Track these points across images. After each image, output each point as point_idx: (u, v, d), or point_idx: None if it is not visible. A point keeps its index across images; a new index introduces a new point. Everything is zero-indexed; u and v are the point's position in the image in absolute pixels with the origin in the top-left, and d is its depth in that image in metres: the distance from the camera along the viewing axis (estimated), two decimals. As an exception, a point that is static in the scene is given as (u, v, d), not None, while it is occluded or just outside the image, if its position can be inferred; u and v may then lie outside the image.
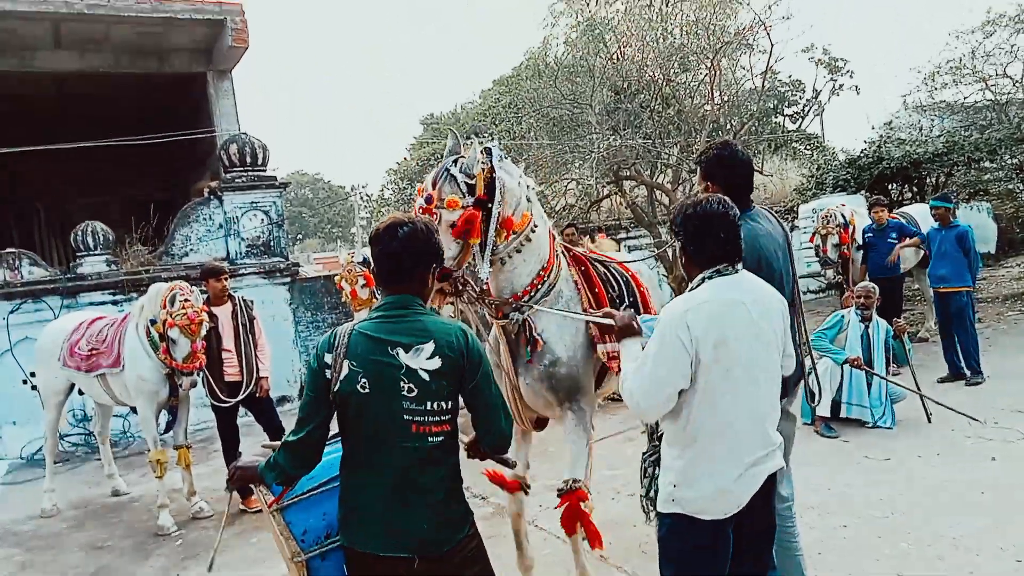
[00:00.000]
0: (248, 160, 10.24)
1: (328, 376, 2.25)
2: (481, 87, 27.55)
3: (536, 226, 3.45)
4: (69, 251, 12.88)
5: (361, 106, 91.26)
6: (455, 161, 3.20)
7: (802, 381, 3.22)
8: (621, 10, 13.20)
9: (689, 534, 2.41)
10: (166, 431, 5.96)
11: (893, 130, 13.36)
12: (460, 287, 3.25)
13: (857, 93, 19.58)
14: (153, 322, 5.52)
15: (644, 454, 2.78)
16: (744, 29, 11.42)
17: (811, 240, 9.01)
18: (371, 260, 2.66)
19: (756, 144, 11.29)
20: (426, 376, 2.23)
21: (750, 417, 2.41)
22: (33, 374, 8.81)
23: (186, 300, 5.44)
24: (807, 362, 3.31)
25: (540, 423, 3.82)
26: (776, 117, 15.60)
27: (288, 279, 10.28)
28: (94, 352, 5.92)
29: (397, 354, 2.23)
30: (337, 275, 7.43)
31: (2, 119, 13.18)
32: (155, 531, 5.65)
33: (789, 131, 15.31)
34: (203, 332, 5.50)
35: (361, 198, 41.29)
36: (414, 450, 2.23)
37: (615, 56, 11.45)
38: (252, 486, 2.51)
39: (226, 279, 6.12)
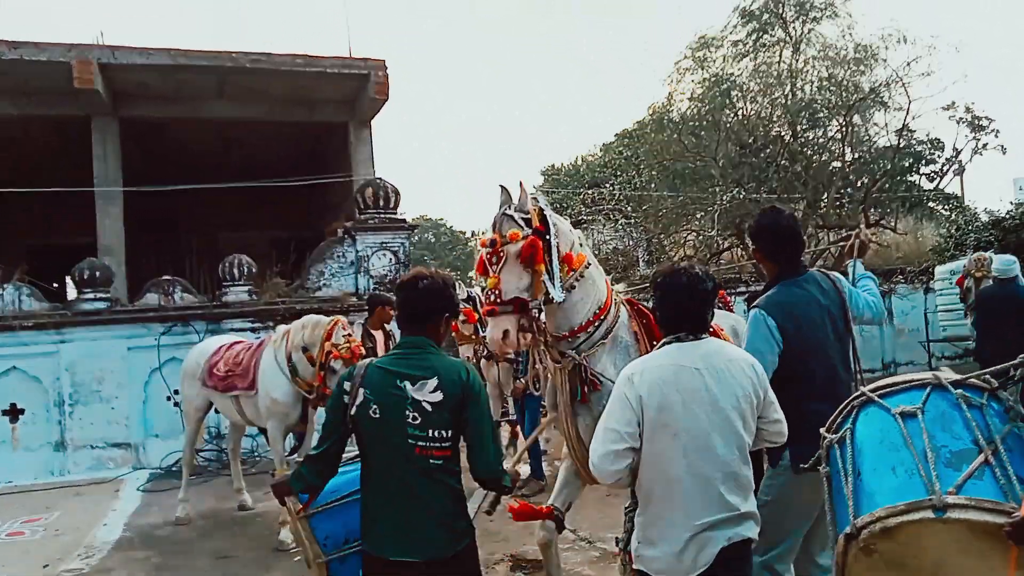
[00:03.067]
0: (381, 203, 10.83)
1: (346, 401, 2.63)
2: (603, 140, 27.95)
3: (589, 264, 3.62)
4: (214, 281, 13.99)
5: (485, 154, 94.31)
6: (508, 206, 3.48)
7: None
8: (748, 67, 13.18)
9: None
10: (291, 454, 6.32)
11: (1045, 192, 12.49)
12: (535, 323, 3.40)
13: (1003, 153, 18.47)
14: (305, 349, 5.87)
15: (626, 508, 2.84)
16: (879, 85, 11.11)
17: (959, 282, 8.31)
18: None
19: (889, 202, 10.87)
20: (429, 407, 2.56)
21: (700, 482, 2.43)
22: (177, 392, 9.57)
23: (349, 334, 5.88)
24: None
25: None
26: (911, 176, 14.91)
27: (408, 318, 10.71)
28: (231, 374, 6.37)
29: (404, 386, 2.58)
30: None
31: (166, 161, 14.62)
32: (276, 546, 5.95)
33: (925, 190, 14.59)
34: None
35: (480, 244, 42.27)
36: (417, 469, 2.57)
37: (743, 112, 11.41)
38: (284, 498, 2.84)
39: (392, 310, 6.79)
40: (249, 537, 6.40)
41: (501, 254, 3.33)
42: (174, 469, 9.12)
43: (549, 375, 3.79)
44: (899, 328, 12.07)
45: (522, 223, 3.37)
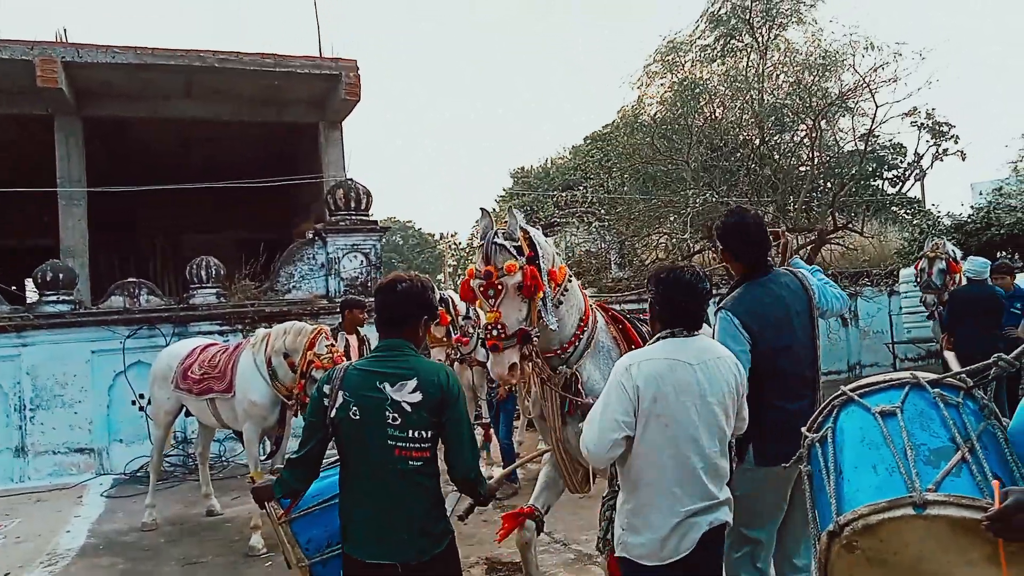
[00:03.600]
0: (352, 205, 10.74)
1: (326, 404, 2.63)
2: (572, 143, 28.09)
3: (571, 277, 3.64)
4: (180, 284, 13.75)
5: (453, 156, 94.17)
6: (496, 233, 3.41)
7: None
8: (717, 72, 13.34)
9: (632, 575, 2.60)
10: (267, 458, 6.23)
11: (1003, 196, 12.83)
12: (533, 347, 3.38)
13: (963, 159, 18.94)
14: (286, 355, 5.82)
15: (604, 498, 2.95)
16: (847, 90, 11.31)
17: (916, 266, 8.42)
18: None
19: (855, 206, 11.09)
20: (408, 408, 2.57)
21: (687, 470, 2.56)
22: (142, 396, 9.40)
23: (332, 344, 5.81)
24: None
25: (585, 481, 3.82)
26: (875, 180, 15.22)
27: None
28: (206, 376, 6.29)
29: (384, 387, 2.58)
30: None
31: (129, 161, 14.36)
32: (246, 551, 5.86)
33: (888, 194, 14.89)
34: None
35: (449, 246, 42.23)
36: (396, 471, 2.57)
37: (712, 116, 11.54)
38: (266, 503, 2.87)
39: (364, 313, 6.90)
40: (218, 543, 6.29)
41: (499, 287, 3.28)
42: (139, 474, 8.94)
43: (533, 386, 3.78)
44: (864, 330, 12.30)
45: (514, 252, 3.33)
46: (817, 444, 2.25)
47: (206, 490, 7.19)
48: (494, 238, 3.38)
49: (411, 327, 2.76)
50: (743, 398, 2.75)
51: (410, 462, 2.57)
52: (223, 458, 9.05)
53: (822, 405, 2.36)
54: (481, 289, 3.31)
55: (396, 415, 2.56)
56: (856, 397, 2.21)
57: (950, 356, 6.65)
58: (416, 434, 2.57)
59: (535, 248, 3.41)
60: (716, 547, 2.65)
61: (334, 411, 2.61)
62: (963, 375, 2.14)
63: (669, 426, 2.54)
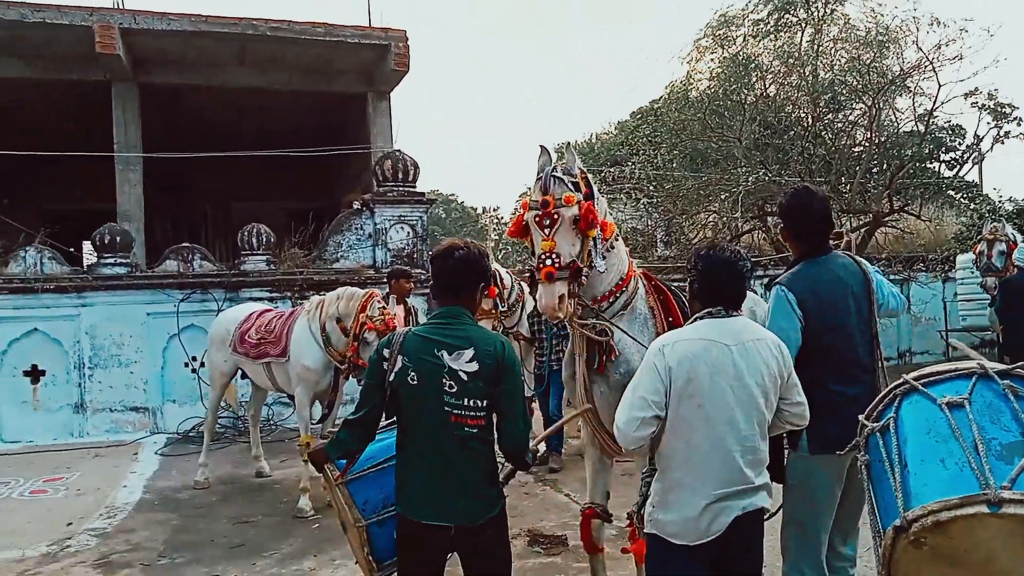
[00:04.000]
0: (400, 176, 10.81)
1: (385, 367, 2.67)
2: (618, 118, 27.73)
3: (618, 236, 3.60)
4: (230, 250, 14.01)
5: (497, 131, 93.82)
6: (554, 168, 3.36)
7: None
8: (770, 47, 12.99)
9: (662, 554, 2.59)
10: (318, 422, 6.40)
11: (1070, 182, 12.32)
12: (581, 286, 3.33)
13: (1024, 141, 18.21)
14: (339, 320, 5.97)
15: (643, 473, 2.89)
16: (910, 68, 10.92)
17: (974, 250, 8.17)
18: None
19: (912, 189, 10.75)
20: (464, 376, 2.60)
21: (721, 453, 2.52)
22: (194, 358, 9.69)
23: (384, 308, 5.94)
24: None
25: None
26: (932, 163, 14.73)
27: (428, 291, 10.72)
28: (263, 341, 6.50)
29: (442, 355, 2.62)
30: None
31: (183, 128, 14.61)
32: (295, 513, 6.03)
33: (945, 178, 14.42)
34: None
35: (492, 220, 42.25)
36: (452, 437, 2.61)
37: (764, 92, 11.26)
38: (323, 465, 2.89)
39: (410, 283, 7.09)
40: (267, 503, 6.49)
41: (555, 216, 3.25)
42: (191, 434, 9.24)
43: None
44: (917, 316, 12.01)
45: (572, 187, 3.31)
46: (877, 434, 2.21)
47: (256, 452, 7.40)
48: (552, 171, 3.35)
49: (468, 294, 2.78)
50: (791, 382, 2.67)
51: (466, 428, 2.61)
52: (272, 422, 9.29)
53: (882, 393, 2.32)
54: (536, 219, 3.28)
55: (453, 383, 2.60)
56: (920, 387, 2.16)
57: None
58: (471, 403, 2.60)
59: (591, 187, 3.40)
60: (750, 531, 2.59)
61: (393, 375, 2.65)
62: None
63: (703, 406, 2.52)
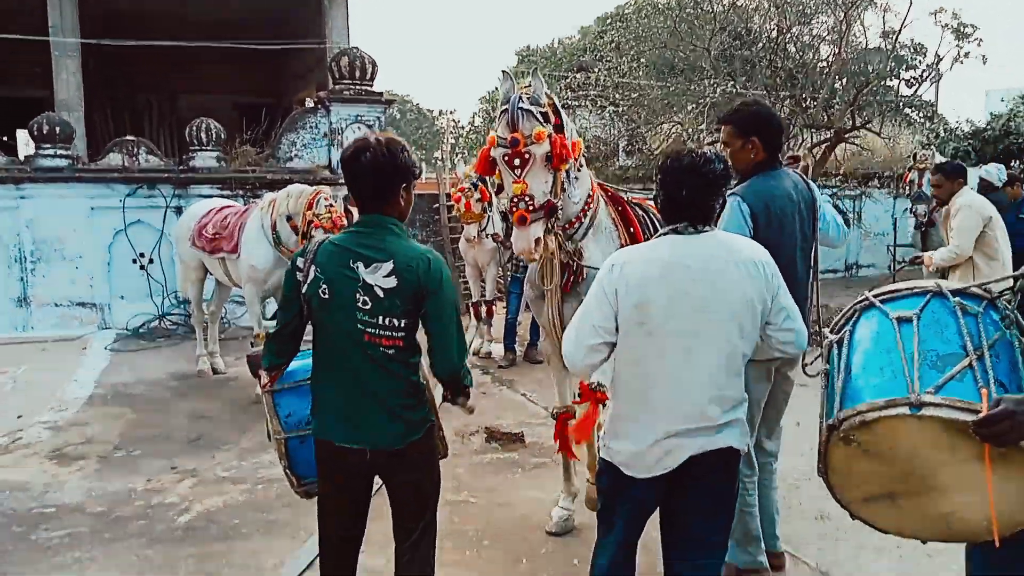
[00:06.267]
0: (357, 74, 10.37)
1: (299, 278, 2.45)
2: (581, 23, 27.00)
3: (581, 152, 3.49)
4: (176, 146, 13.44)
5: (455, 31, 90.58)
6: (520, 98, 3.15)
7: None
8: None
9: (613, 480, 2.46)
10: (272, 317, 6.34)
11: (1026, 105, 12.51)
12: (556, 220, 3.24)
13: (984, 63, 18.34)
14: (289, 218, 5.90)
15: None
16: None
17: (905, 178, 8.43)
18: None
19: (874, 106, 10.78)
20: (380, 292, 2.36)
21: (675, 387, 2.31)
22: (142, 255, 9.45)
23: (331, 205, 5.83)
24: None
25: None
26: (893, 81, 14.77)
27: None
28: (217, 236, 6.46)
29: (357, 268, 2.37)
30: (453, 189, 7.53)
31: (125, 15, 13.69)
32: (254, 403, 6.01)
33: (903, 96, 14.49)
34: None
35: (449, 123, 41.35)
36: (367, 357, 2.40)
37: (732, 1, 11.02)
38: (258, 370, 2.71)
39: None
40: (224, 399, 6.47)
41: (525, 156, 3.07)
42: (141, 331, 9.09)
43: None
44: (866, 231, 12.29)
45: (541, 118, 3.13)
46: (835, 345, 2.28)
47: (212, 348, 7.34)
48: (519, 103, 3.12)
49: (391, 198, 2.47)
50: (777, 305, 2.39)
51: (381, 349, 2.39)
52: (224, 320, 9.14)
53: (846, 309, 2.38)
54: (505, 158, 3.12)
55: (367, 299, 2.36)
56: (877, 303, 2.22)
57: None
58: (387, 321, 2.37)
59: (560, 115, 3.24)
60: (711, 472, 2.36)
61: (305, 286, 2.43)
62: (988, 285, 2.15)
63: (654, 335, 2.29)
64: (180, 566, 3.66)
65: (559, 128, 3.19)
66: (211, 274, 7.07)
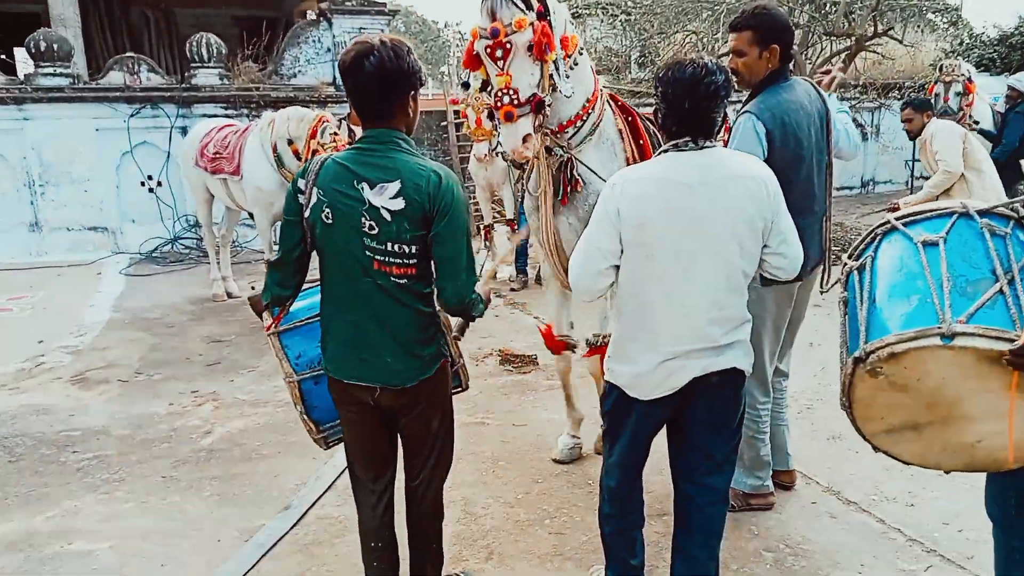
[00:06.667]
0: (360, -17, 10.02)
1: (301, 201, 2.25)
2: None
3: (582, 50, 3.30)
4: (178, 62, 13.12)
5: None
6: None
7: (819, 267, 3.20)
8: None
9: (618, 402, 2.44)
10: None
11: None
12: (545, 117, 3.09)
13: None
14: (290, 142, 5.83)
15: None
16: None
17: (930, 91, 8.18)
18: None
19: (896, 11, 10.30)
20: (387, 216, 2.16)
21: (677, 308, 2.27)
22: (150, 177, 9.38)
23: (335, 133, 5.74)
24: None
25: None
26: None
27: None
28: (218, 156, 6.39)
29: (362, 189, 2.17)
30: (464, 104, 7.29)
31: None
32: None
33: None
34: None
35: (454, 35, 40.16)
36: (377, 287, 2.23)
37: None
38: (262, 313, 2.56)
39: None
40: (240, 323, 6.52)
41: (507, 46, 2.92)
42: (155, 255, 9.13)
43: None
44: (884, 145, 11.97)
45: (523, 6, 2.95)
46: (855, 271, 2.19)
47: (225, 272, 7.37)
48: None
49: (398, 109, 2.23)
50: (776, 228, 2.32)
51: (392, 278, 2.21)
52: (236, 244, 9.16)
53: (866, 233, 2.30)
54: (487, 50, 2.96)
55: (373, 223, 2.17)
56: (900, 226, 2.13)
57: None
58: (397, 248, 2.19)
59: (545, 4, 3.04)
60: (716, 393, 2.35)
61: (308, 211, 2.23)
62: (1017, 204, 2.04)
63: (653, 257, 2.25)
64: (205, 487, 3.78)
65: (542, 15, 3.01)
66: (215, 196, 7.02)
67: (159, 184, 9.42)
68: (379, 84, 2.16)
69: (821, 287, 3.12)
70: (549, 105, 3.09)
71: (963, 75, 7.86)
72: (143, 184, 9.43)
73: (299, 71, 10.14)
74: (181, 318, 6.74)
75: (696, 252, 2.23)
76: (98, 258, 8.95)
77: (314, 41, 10.19)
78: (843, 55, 8.42)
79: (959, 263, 1.96)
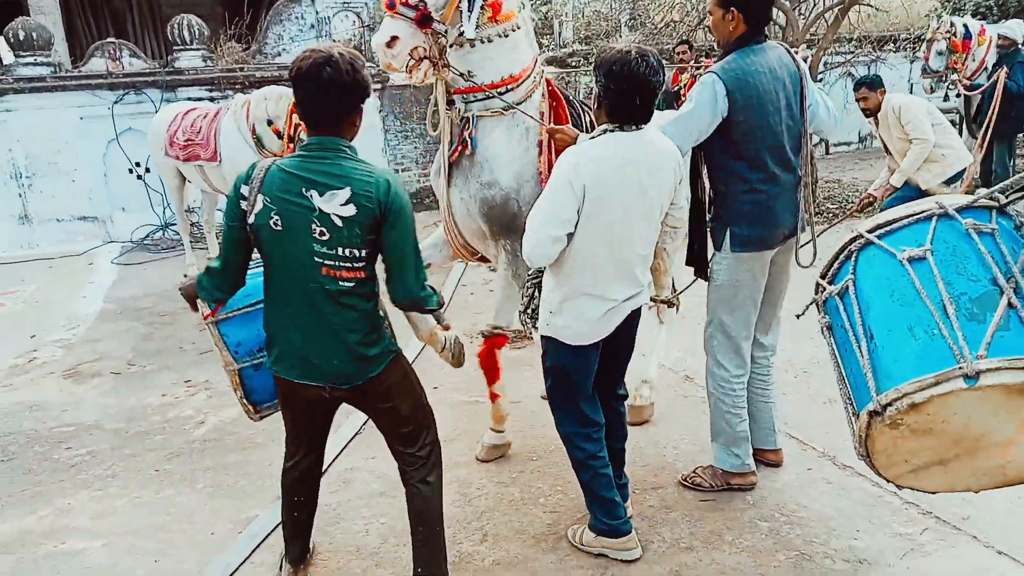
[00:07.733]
0: (341, -45, 9.82)
1: (244, 207, 2.25)
2: None
3: (518, 28, 3.26)
4: (161, 46, 12.92)
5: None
6: None
7: (794, 236, 3.16)
8: None
9: (561, 354, 2.77)
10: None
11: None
12: (438, 49, 3.08)
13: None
14: (270, 122, 5.74)
15: (529, 275, 2.98)
16: None
17: (926, 57, 7.98)
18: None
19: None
20: (338, 222, 2.21)
21: (621, 263, 2.67)
22: (138, 164, 9.28)
23: None
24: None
25: (467, 249, 3.66)
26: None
27: (379, 86, 10.14)
28: (190, 143, 6.28)
29: (311, 196, 2.20)
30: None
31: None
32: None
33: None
34: None
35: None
36: (325, 291, 2.27)
37: None
38: (196, 301, 2.58)
39: None
40: (232, 308, 6.49)
41: None
42: (146, 243, 9.07)
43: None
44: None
45: None
46: (836, 296, 2.03)
47: (212, 256, 7.32)
48: None
49: (346, 121, 2.30)
50: (680, 188, 2.82)
51: (340, 283, 2.27)
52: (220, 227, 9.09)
53: (837, 249, 2.11)
54: None
55: (324, 229, 2.20)
56: (876, 239, 1.94)
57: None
58: (347, 252, 2.24)
59: None
60: (632, 326, 2.85)
61: (253, 217, 2.23)
62: (995, 193, 1.89)
63: (611, 225, 2.59)
64: (198, 479, 3.76)
65: None
66: (190, 182, 6.93)
67: (147, 171, 9.32)
68: (334, 94, 2.23)
69: (795, 256, 3.20)
70: (444, 33, 3.07)
71: (947, 33, 7.59)
72: (131, 171, 9.33)
73: (283, 49, 9.97)
74: (173, 306, 6.66)
75: (637, 216, 2.63)
76: (89, 248, 8.89)
77: (297, 18, 10.02)
78: (836, 8, 8.23)
79: (955, 278, 1.79)
